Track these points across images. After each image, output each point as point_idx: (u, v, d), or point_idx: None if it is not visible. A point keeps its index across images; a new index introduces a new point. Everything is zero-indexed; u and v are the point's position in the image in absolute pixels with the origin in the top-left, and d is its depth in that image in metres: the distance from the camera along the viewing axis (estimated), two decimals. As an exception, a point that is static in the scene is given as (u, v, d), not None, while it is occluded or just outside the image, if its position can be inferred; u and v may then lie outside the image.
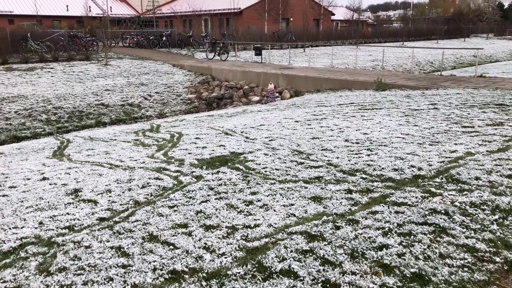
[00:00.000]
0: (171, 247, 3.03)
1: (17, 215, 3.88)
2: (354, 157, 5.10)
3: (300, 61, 22.55)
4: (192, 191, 4.23)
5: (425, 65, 26.29)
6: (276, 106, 11.47)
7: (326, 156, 5.25)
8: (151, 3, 44.12)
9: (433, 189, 3.85)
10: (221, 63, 20.71)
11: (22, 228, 3.56)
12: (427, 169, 4.47)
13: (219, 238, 3.13)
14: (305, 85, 15.16)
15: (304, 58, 23.78)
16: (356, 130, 6.70)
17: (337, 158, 5.13)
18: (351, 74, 15.88)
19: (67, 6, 44.46)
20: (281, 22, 38.39)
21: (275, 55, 25.02)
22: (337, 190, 3.99)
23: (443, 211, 3.30)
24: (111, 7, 45.50)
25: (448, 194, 3.68)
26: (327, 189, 4.03)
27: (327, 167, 4.77)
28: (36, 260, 2.96)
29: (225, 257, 2.83)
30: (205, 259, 2.82)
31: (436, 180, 4.09)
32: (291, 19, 40.67)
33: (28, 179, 5.13)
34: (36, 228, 3.54)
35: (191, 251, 2.95)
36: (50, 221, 3.68)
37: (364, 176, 4.38)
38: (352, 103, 10.22)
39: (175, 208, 3.79)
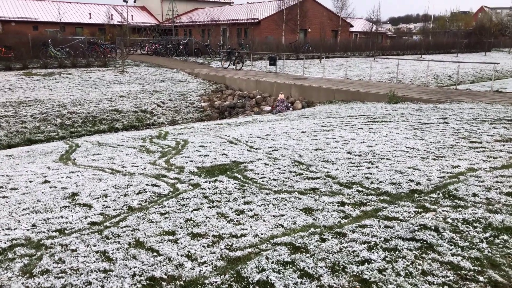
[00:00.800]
0: (155, 253, 3.04)
1: (12, 216, 3.95)
2: (353, 170, 5.05)
3: (314, 72, 22.54)
4: (186, 198, 4.25)
5: (443, 78, 25.98)
6: (286, 116, 11.47)
7: (326, 167, 5.21)
8: (170, 12, 44.81)
9: (427, 205, 3.77)
10: (235, 72, 20.84)
11: (14, 229, 3.62)
12: (426, 184, 4.39)
13: (203, 246, 3.13)
14: (318, 96, 15.13)
15: (319, 69, 23.76)
16: (361, 143, 6.64)
17: (337, 170, 5.08)
18: (364, 86, 15.78)
19: (90, 14, 45.52)
20: (298, 32, 38.50)
21: (291, 65, 25.07)
22: (330, 202, 3.95)
23: (433, 227, 3.23)
24: (132, 16, 46.41)
25: (442, 210, 3.61)
26: (320, 201, 4.00)
27: (324, 179, 4.73)
28: (21, 261, 3.00)
29: (206, 266, 2.82)
30: (185, 267, 2.81)
31: (432, 196, 4.01)
32: (309, 30, 40.76)
33: (30, 181, 5.23)
34: (28, 230, 3.60)
35: (173, 258, 2.95)
36: (43, 223, 3.74)
37: (360, 189, 4.33)
38: (362, 115, 10.15)
39: (166, 215, 3.81)
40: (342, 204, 3.90)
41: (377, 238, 3.11)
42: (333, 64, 27.31)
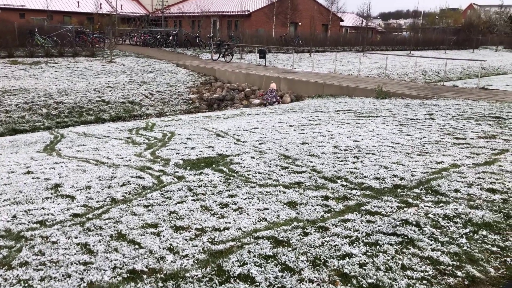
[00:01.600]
0: (136, 246, 3.02)
1: (-7, 207, 3.89)
2: (339, 164, 5.07)
3: (304, 66, 22.53)
4: (171, 191, 4.22)
5: (431, 75, 26.15)
6: (274, 110, 11.46)
7: (311, 162, 5.22)
8: (160, 3, 44.32)
9: (410, 200, 3.81)
10: (224, 64, 20.74)
11: (-6, 220, 3.57)
12: (409, 179, 4.43)
13: (185, 239, 3.12)
14: (306, 90, 15.13)
15: (309, 63, 23.75)
16: (348, 137, 6.67)
17: (322, 164, 5.10)
18: (353, 81, 15.83)
19: (78, 2, 44.77)
20: (289, 26, 38.38)
21: (280, 59, 25.02)
22: (314, 196, 3.97)
23: (414, 222, 3.27)
24: (121, 5, 45.76)
25: (424, 205, 3.65)
26: (304, 195, 4.01)
27: (310, 173, 4.74)
28: (0, 253, 2.96)
29: (187, 259, 2.81)
30: (167, 260, 2.80)
31: (415, 191, 4.05)
32: (300, 23, 40.64)
33: (13, 172, 5.16)
34: (8, 221, 3.55)
35: (154, 251, 2.94)
36: (24, 215, 3.69)
37: (344, 183, 4.35)
38: (349, 110, 10.18)
39: (150, 208, 3.78)
40: (326, 198, 3.92)
41: (359, 233, 3.13)
42: (322, 58, 27.33)
